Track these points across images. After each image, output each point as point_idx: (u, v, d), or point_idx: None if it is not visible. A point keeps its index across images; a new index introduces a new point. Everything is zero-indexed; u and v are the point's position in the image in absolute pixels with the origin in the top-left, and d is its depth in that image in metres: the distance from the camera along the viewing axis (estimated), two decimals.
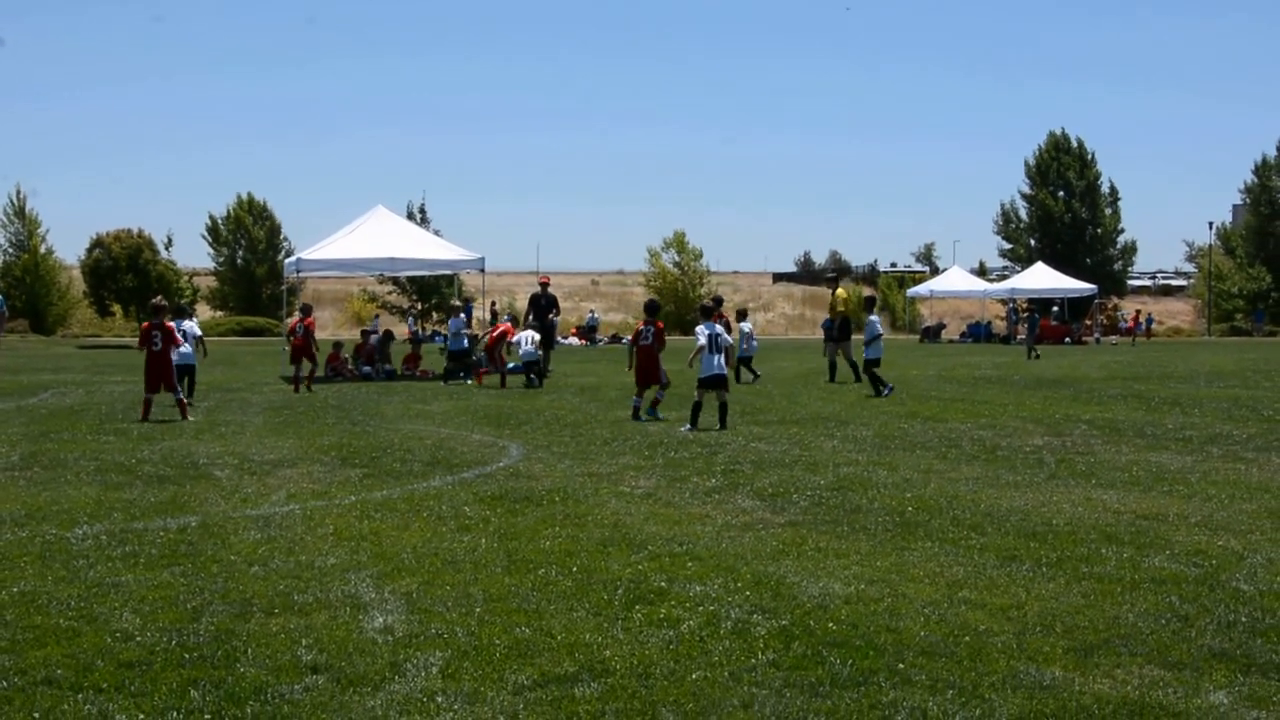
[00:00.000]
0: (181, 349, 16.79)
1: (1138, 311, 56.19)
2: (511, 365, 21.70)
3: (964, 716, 4.17)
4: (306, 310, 21.32)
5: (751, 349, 22.00)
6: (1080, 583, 6.05)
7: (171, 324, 15.45)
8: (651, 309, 15.42)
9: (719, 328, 13.70)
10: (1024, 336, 34.91)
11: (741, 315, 22.60)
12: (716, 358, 13.43)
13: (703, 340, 13.53)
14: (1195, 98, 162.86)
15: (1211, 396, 18.21)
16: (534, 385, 20.42)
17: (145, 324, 15.34)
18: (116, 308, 50.30)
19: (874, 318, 19.04)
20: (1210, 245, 70.97)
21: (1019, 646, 4.98)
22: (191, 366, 17.50)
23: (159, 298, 16.72)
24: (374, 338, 25.37)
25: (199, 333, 18.36)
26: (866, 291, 23.00)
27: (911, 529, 7.47)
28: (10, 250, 54.05)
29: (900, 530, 7.43)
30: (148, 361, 14.83)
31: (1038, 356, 32.20)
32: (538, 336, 21.53)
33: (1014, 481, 9.44)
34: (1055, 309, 53.47)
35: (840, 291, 22.31)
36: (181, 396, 15.03)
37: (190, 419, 14.56)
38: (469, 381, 21.42)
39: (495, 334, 21.73)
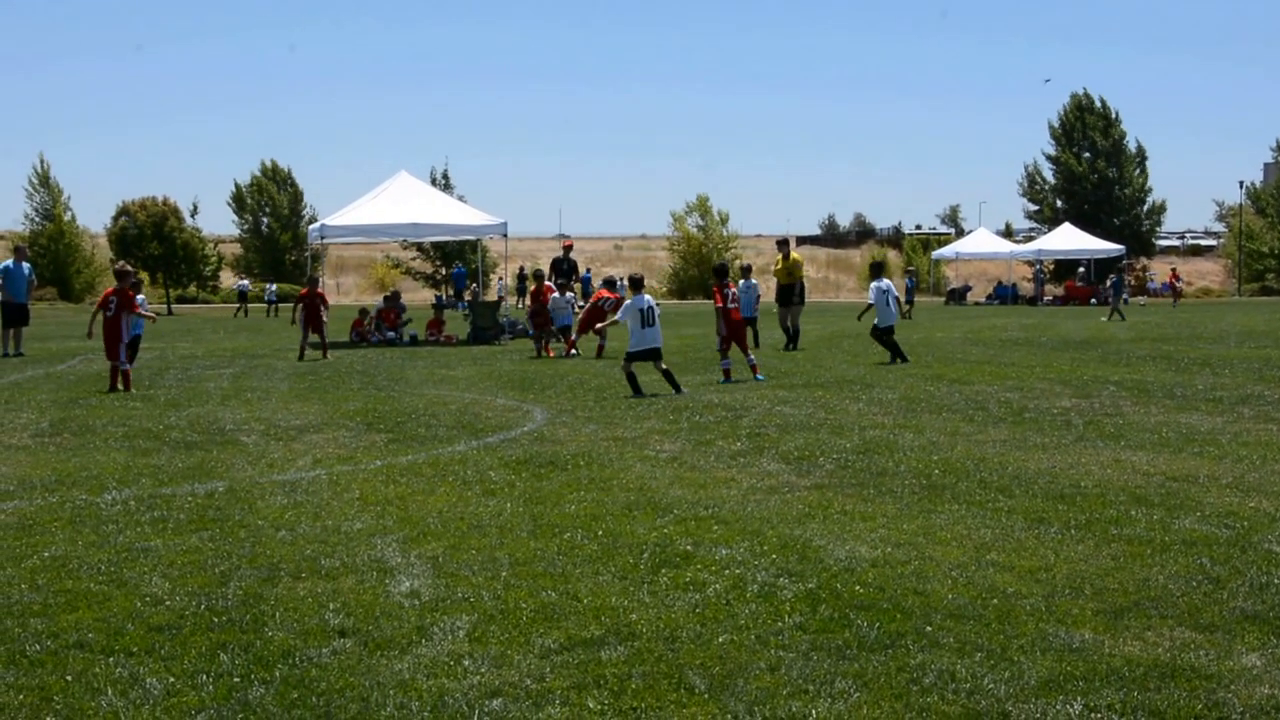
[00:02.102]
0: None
1: (1174, 270, 54.70)
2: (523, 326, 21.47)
3: (993, 679, 4.15)
4: (312, 283, 20.96)
5: (754, 311, 21.05)
6: (1110, 545, 6.00)
7: (132, 291, 15.04)
8: (746, 271, 15.52)
9: (649, 299, 13.58)
10: (1109, 298, 33.52)
11: (745, 272, 22.15)
12: (650, 330, 13.33)
13: (629, 315, 13.39)
14: (1225, 55, 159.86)
15: (1242, 357, 17.98)
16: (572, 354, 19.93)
17: (107, 289, 15.07)
18: (143, 275, 50.68)
19: (880, 283, 17.79)
20: (1241, 204, 69.90)
21: (1048, 609, 4.94)
22: (137, 336, 17.19)
23: (121, 264, 16.55)
24: (375, 306, 25.47)
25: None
26: (875, 256, 21.38)
27: (938, 492, 7.42)
28: (36, 219, 54.49)
29: (927, 493, 7.39)
30: (104, 329, 14.47)
31: (1122, 318, 31.17)
32: (573, 298, 21.29)
33: (1042, 444, 9.36)
34: (1081, 270, 52.91)
35: (795, 256, 21.51)
36: (127, 367, 14.49)
37: (133, 391, 14.05)
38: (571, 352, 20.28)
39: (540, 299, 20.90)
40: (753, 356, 15.15)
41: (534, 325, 20.74)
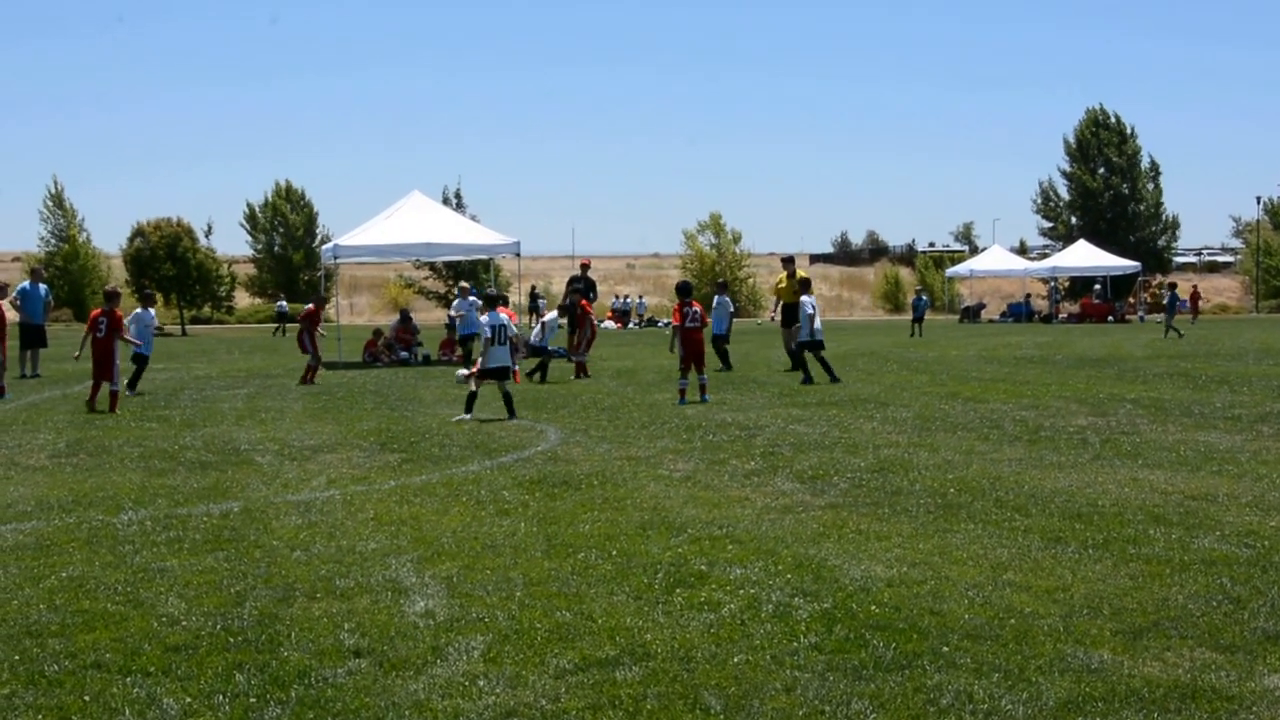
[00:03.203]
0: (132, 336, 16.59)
1: (1195, 287, 53.86)
2: (554, 349, 19.78)
3: (1010, 700, 4.12)
4: (318, 301, 20.45)
5: (721, 327, 20.38)
6: (1128, 564, 5.96)
7: (121, 312, 15.10)
8: (722, 288, 15.41)
9: (503, 317, 13.44)
10: (1164, 314, 32.83)
11: (721, 288, 21.82)
12: (500, 349, 13.25)
13: (488, 332, 13.27)
14: (1241, 69, 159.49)
15: (1261, 374, 17.86)
16: (542, 379, 18.68)
17: (95, 310, 15.15)
18: (157, 296, 51.02)
19: (805, 298, 17.69)
20: (1258, 220, 69.59)
21: (1066, 629, 4.90)
22: (145, 357, 17.02)
23: (112, 285, 16.58)
24: (390, 325, 25.43)
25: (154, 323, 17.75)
26: (802, 273, 20.20)
27: (954, 511, 7.38)
28: (52, 241, 54.86)
29: (942, 512, 7.35)
30: (93, 349, 14.54)
31: (1179, 335, 30.52)
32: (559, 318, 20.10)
33: (1058, 462, 9.31)
34: (1097, 287, 52.71)
35: (802, 273, 20.67)
36: (117, 388, 14.53)
37: (116, 412, 14.04)
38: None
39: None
40: (705, 377, 14.82)
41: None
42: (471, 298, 23.03)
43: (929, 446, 10.30)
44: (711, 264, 62.69)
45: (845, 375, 18.74)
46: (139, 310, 17.31)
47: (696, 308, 15.10)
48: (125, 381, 16.54)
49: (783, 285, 20.94)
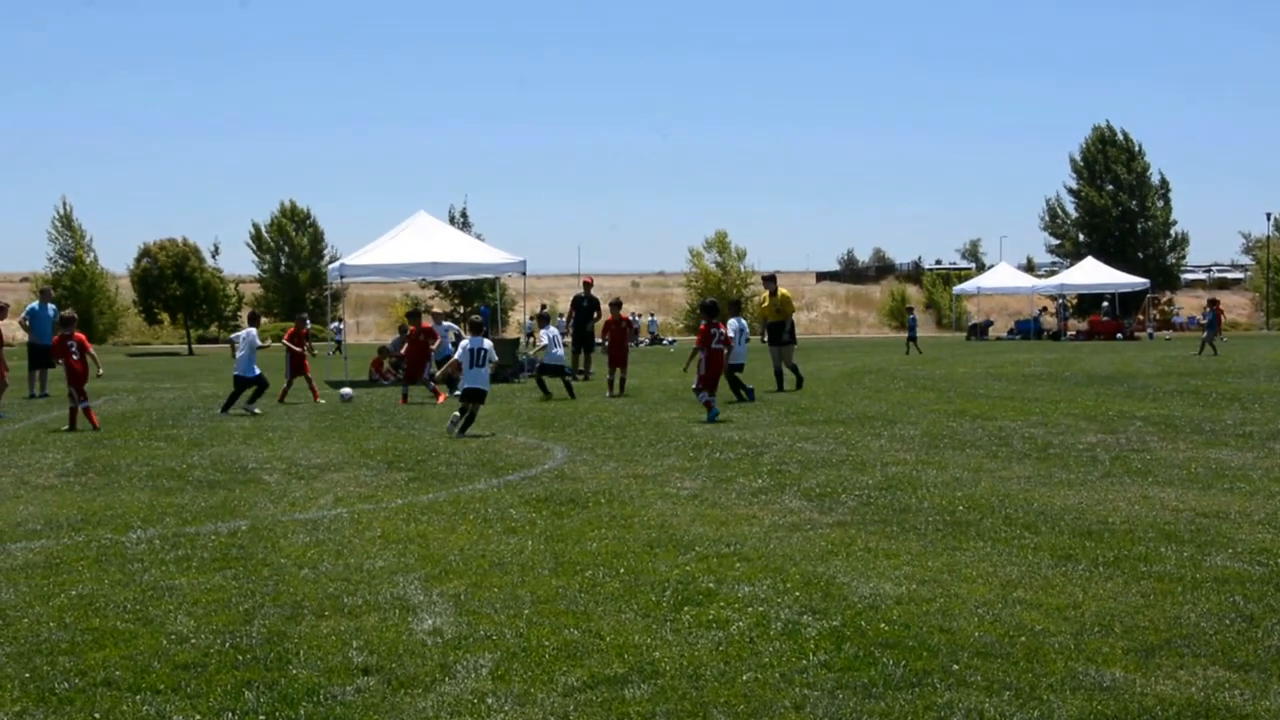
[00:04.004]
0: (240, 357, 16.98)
1: (1216, 301, 52.81)
2: (567, 368, 19.77)
3: (1022, 718, 4.09)
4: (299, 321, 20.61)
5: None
6: (1139, 582, 5.93)
7: (82, 334, 15.26)
8: (711, 310, 15.57)
9: (486, 342, 13.72)
10: (1204, 332, 32.31)
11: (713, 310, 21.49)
12: (479, 370, 13.51)
13: (461, 355, 13.58)
14: (1248, 84, 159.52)
15: (1272, 391, 17.80)
16: (549, 394, 18.68)
17: (57, 337, 15.23)
18: (164, 316, 51.19)
19: (732, 321, 17.54)
20: (1268, 236, 69.46)
21: (1077, 647, 4.88)
22: (260, 378, 16.96)
23: (69, 310, 16.81)
24: (393, 341, 25.62)
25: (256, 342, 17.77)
26: (784, 292, 19.74)
27: (963, 528, 7.36)
28: (60, 261, 55.09)
29: (951, 530, 7.33)
30: (68, 370, 14.66)
31: (1215, 352, 30.17)
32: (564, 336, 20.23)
33: (1068, 480, 9.28)
34: (1106, 304, 52.64)
35: (784, 292, 20.38)
36: (87, 404, 14.62)
37: (78, 428, 14.25)
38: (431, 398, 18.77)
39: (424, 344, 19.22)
40: (714, 398, 14.85)
41: (407, 371, 19.31)
42: (445, 323, 23.20)
43: (937, 464, 10.28)
44: (717, 282, 62.75)
45: (852, 393, 18.73)
46: (248, 329, 17.61)
47: (721, 329, 15.14)
48: (229, 405, 16.86)
49: (766, 305, 20.59)
